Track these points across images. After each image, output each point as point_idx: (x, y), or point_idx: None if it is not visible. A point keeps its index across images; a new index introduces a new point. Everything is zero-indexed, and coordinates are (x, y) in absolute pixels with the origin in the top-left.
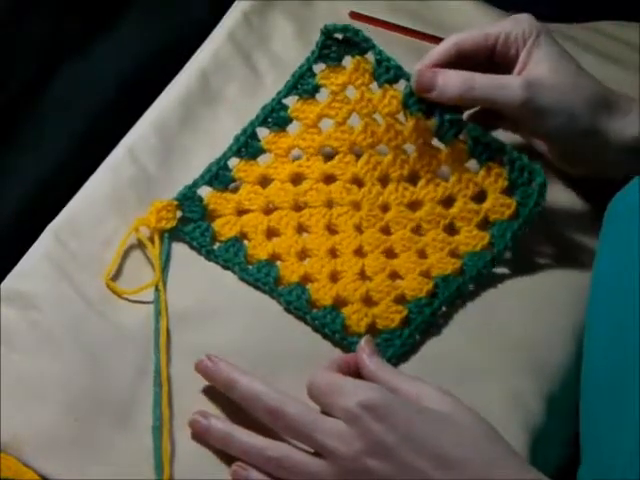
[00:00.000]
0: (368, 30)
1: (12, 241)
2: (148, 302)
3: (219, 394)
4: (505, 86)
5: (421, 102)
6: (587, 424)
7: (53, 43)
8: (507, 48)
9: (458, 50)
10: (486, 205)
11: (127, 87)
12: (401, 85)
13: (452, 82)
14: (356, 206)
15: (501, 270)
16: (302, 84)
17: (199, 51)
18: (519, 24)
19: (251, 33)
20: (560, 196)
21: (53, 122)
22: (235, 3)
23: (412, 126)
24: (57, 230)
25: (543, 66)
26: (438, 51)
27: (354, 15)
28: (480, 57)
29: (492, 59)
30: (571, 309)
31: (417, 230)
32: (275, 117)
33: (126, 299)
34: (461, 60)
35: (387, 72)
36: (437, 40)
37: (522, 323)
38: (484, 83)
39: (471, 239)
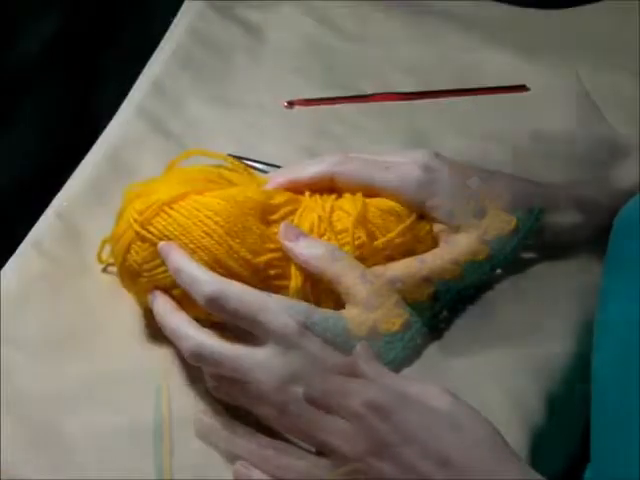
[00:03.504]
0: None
1: (8, 241)
2: None
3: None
4: None
5: None
6: (597, 424)
7: None
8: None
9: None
10: (486, 221)
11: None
12: None
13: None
14: None
15: (500, 271)
16: None
17: (109, 127)
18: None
19: (162, 101)
20: None
21: None
22: (143, 71)
23: None
24: (53, 227)
25: None
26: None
27: (291, 105)
28: None
29: None
30: (571, 309)
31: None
32: None
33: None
34: None
35: None
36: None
37: (522, 323)
38: None
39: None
